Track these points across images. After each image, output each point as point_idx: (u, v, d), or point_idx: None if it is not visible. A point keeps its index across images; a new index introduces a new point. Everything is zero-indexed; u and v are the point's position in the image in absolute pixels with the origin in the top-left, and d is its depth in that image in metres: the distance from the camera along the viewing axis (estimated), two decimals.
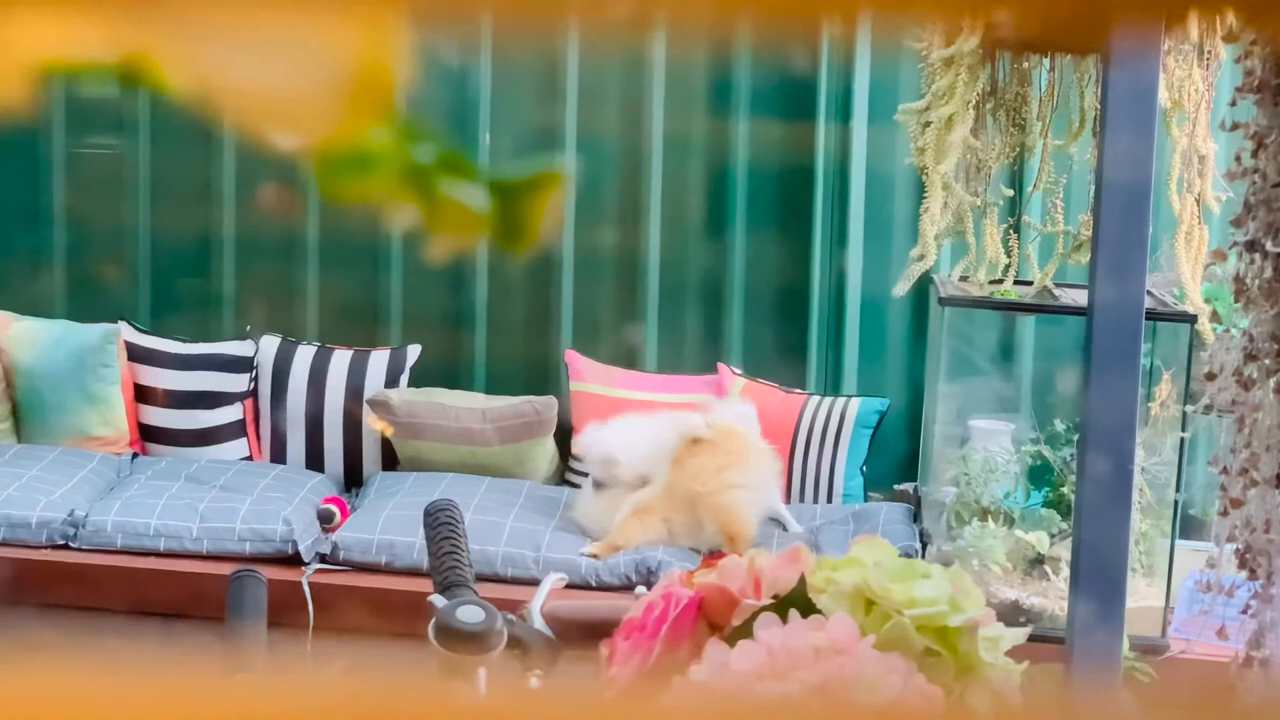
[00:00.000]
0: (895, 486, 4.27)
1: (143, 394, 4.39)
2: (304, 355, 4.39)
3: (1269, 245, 1.57)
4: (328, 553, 3.76)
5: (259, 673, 1.42)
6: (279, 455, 4.35)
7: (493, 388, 4.44)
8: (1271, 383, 1.59)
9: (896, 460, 4.34)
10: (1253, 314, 1.62)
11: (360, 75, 0.35)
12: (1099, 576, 1.50)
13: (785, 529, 3.91)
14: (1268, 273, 1.59)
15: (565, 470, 4.32)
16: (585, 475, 4.03)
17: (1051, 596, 3.54)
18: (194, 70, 0.34)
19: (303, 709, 0.43)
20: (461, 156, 0.38)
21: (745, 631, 1.04)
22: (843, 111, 4.35)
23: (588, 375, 4.34)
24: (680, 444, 3.82)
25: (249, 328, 4.50)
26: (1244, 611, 1.70)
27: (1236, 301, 1.65)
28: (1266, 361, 1.59)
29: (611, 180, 4.48)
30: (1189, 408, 3.27)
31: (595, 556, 3.73)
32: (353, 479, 4.31)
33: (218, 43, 0.35)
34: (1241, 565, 1.68)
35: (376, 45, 0.35)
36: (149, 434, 4.39)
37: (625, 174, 4.47)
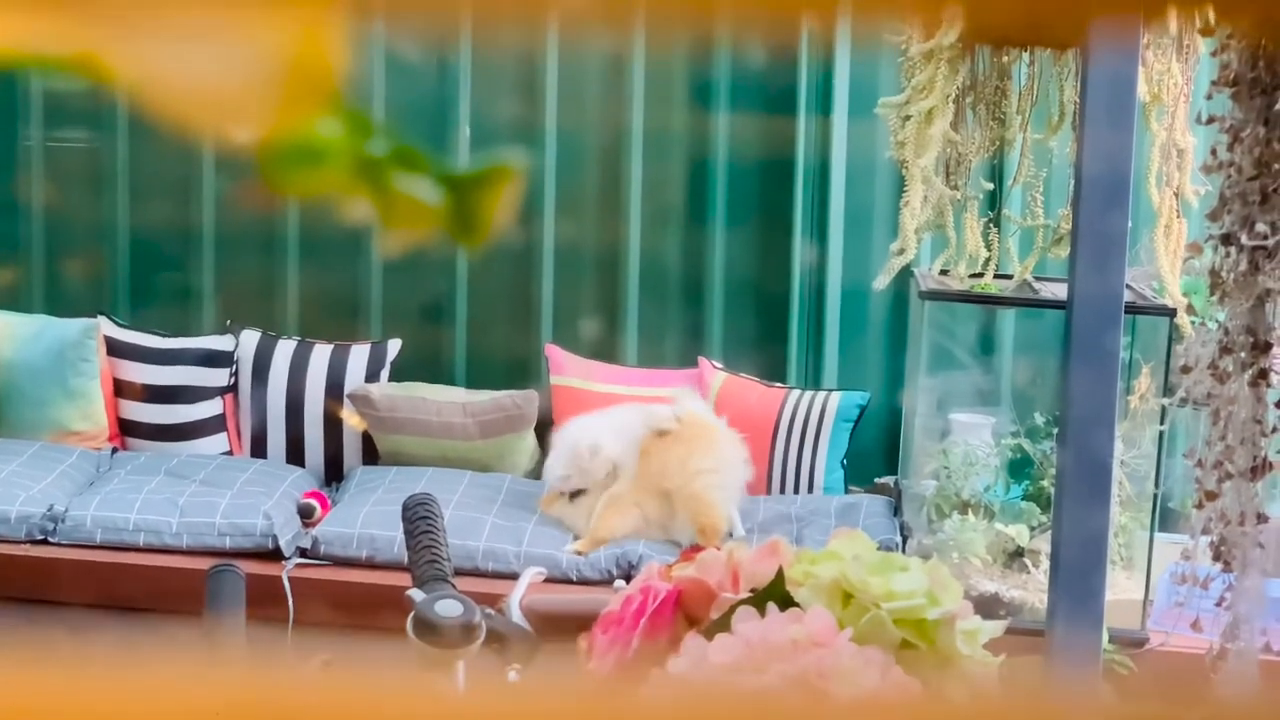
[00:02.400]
0: (876, 480, 4.28)
1: (122, 388, 4.37)
2: (284, 349, 4.39)
3: (1244, 239, 1.58)
4: (308, 547, 3.75)
5: (237, 668, 1.42)
6: (259, 450, 4.35)
7: (473, 382, 4.44)
8: (1246, 376, 1.59)
9: (877, 454, 4.35)
10: (1228, 307, 1.63)
11: (297, 67, 0.35)
12: (1078, 569, 1.51)
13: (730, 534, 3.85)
14: (1243, 266, 1.59)
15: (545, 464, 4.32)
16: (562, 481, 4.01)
17: (1031, 589, 3.55)
18: (135, 64, 0.34)
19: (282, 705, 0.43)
20: (414, 150, 0.38)
21: (723, 625, 1.04)
22: (823, 105, 4.35)
23: (568, 369, 4.34)
24: (646, 435, 3.83)
25: (229, 322, 4.49)
26: (1219, 604, 1.71)
27: (1212, 295, 1.66)
28: (1242, 355, 1.59)
29: (592, 173, 4.48)
30: (1167, 401, 3.29)
31: (580, 553, 3.73)
32: (333, 473, 4.30)
33: (157, 36, 0.35)
34: (1216, 558, 1.68)
35: (313, 36, 0.35)
36: (128, 428, 4.37)
37: (605, 167, 4.46)
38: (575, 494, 3.88)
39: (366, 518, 3.80)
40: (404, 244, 0.38)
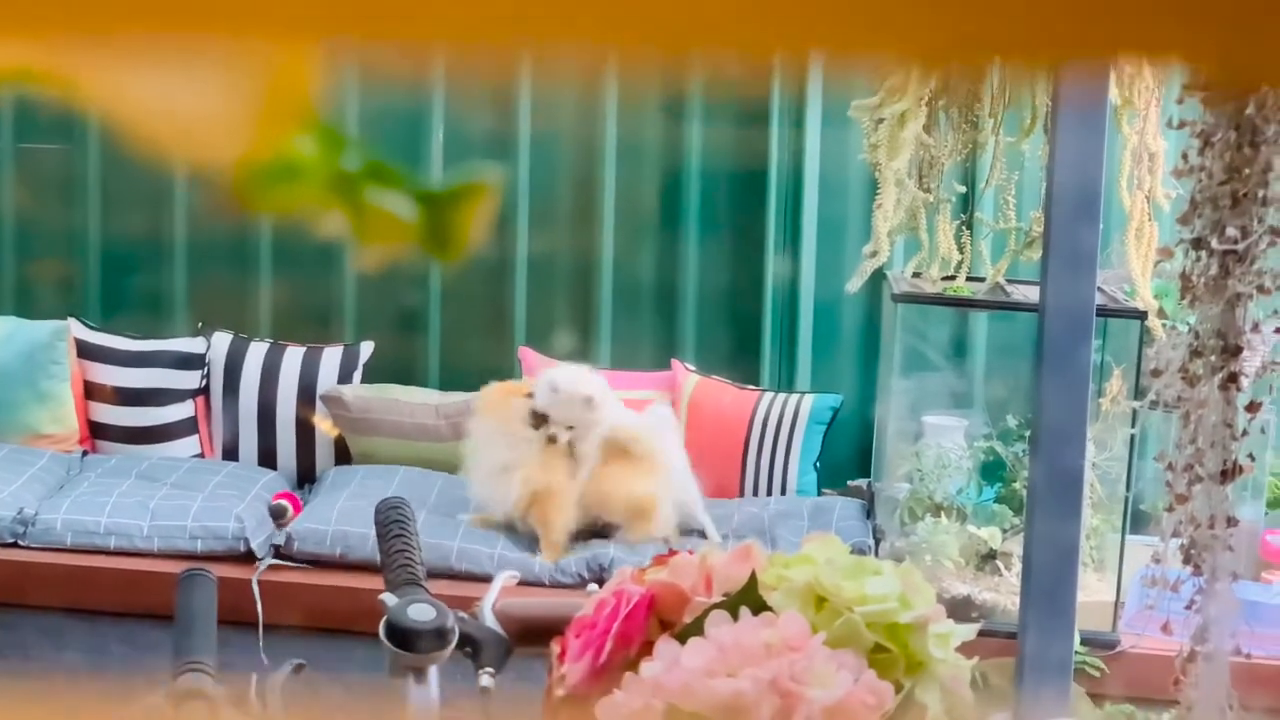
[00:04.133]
0: (849, 482, 4.28)
1: (93, 391, 4.35)
2: (256, 352, 4.37)
3: (1214, 243, 1.59)
4: (282, 544, 3.74)
5: (208, 672, 1.42)
6: (231, 452, 4.33)
7: (446, 384, 4.43)
8: (1216, 379, 1.60)
9: (850, 456, 4.36)
10: (1199, 310, 1.63)
11: (274, 85, 0.35)
12: (1050, 571, 1.52)
13: (705, 536, 3.83)
14: (1213, 270, 1.60)
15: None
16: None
17: (1003, 592, 3.56)
18: (108, 86, 0.34)
19: None
20: (387, 165, 0.38)
21: (697, 628, 1.04)
22: (796, 109, 4.36)
23: (541, 371, 4.33)
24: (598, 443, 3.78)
25: (200, 324, 4.48)
26: (1189, 607, 1.71)
27: (1183, 298, 1.67)
28: (1212, 358, 1.60)
29: (566, 179, 4.48)
30: (1138, 403, 3.30)
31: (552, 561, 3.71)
32: (306, 476, 4.29)
33: (130, 59, 0.35)
34: (1186, 560, 1.69)
35: (289, 53, 0.35)
36: (99, 431, 4.35)
37: (579, 173, 4.46)
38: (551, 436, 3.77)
39: (340, 514, 3.79)
40: (379, 260, 0.38)
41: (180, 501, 3.86)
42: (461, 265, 4.36)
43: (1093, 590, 3.53)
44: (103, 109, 0.35)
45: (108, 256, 4.58)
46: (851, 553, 1.11)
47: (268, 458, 4.30)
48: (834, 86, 4.30)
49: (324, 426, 4.20)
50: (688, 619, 1.07)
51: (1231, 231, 1.58)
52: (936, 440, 3.81)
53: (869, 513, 4.02)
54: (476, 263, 4.42)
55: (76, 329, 4.38)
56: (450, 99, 4.43)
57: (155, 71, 0.35)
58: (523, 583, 1.80)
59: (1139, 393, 3.40)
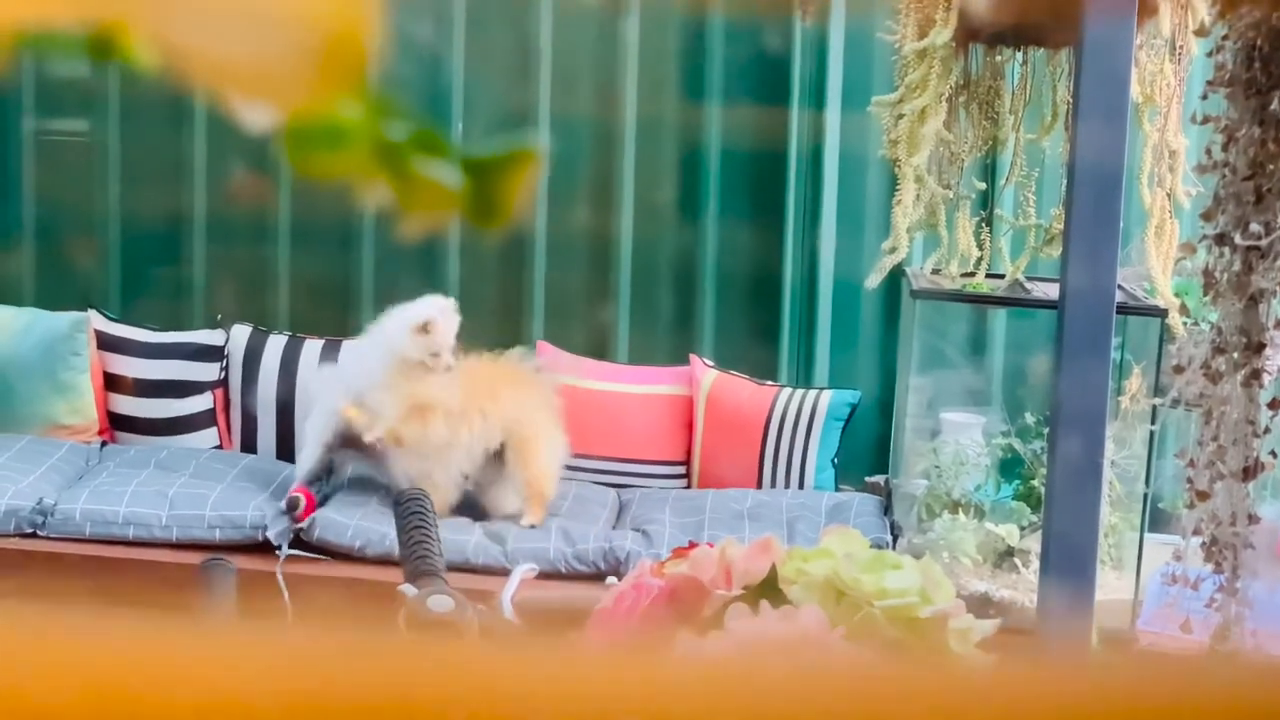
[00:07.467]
0: (867, 478, 4.27)
1: (112, 382, 4.36)
2: (275, 344, 4.38)
3: (1238, 239, 1.58)
4: (304, 528, 3.75)
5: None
6: (249, 444, 4.34)
7: None
8: (1239, 376, 1.60)
9: (868, 452, 4.35)
10: (1221, 307, 1.63)
11: (330, 45, 0.34)
12: (1068, 568, 1.51)
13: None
14: (1236, 266, 1.60)
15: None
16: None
17: (1021, 589, 3.56)
18: (163, 41, 0.34)
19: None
20: (435, 134, 0.38)
21: (716, 622, 1.04)
22: (816, 98, 4.35)
23: (559, 366, 4.33)
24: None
25: (219, 316, 4.49)
26: (1209, 605, 1.71)
27: (1205, 295, 1.66)
28: (1234, 355, 1.60)
29: (584, 165, 4.47)
30: (1158, 401, 3.29)
31: (533, 526, 3.76)
32: (322, 467, 4.29)
33: (187, 10, 0.34)
34: (1207, 558, 1.69)
35: (347, 15, 0.35)
36: (118, 422, 4.36)
37: (598, 159, 4.46)
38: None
39: (363, 509, 3.80)
40: (423, 228, 0.38)
41: (199, 491, 3.87)
42: (479, 250, 4.36)
43: (1111, 588, 3.52)
44: (158, 63, 0.35)
45: (127, 248, 4.59)
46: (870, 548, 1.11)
47: (286, 450, 4.30)
48: (855, 67, 4.29)
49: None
50: (707, 613, 1.07)
51: (1255, 227, 1.57)
52: (954, 437, 3.80)
53: (886, 509, 4.01)
54: (494, 248, 4.43)
55: (96, 320, 4.39)
56: (469, 78, 4.42)
57: (215, 23, 0.34)
58: (541, 574, 1.81)
59: (1159, 390, 3.39)
